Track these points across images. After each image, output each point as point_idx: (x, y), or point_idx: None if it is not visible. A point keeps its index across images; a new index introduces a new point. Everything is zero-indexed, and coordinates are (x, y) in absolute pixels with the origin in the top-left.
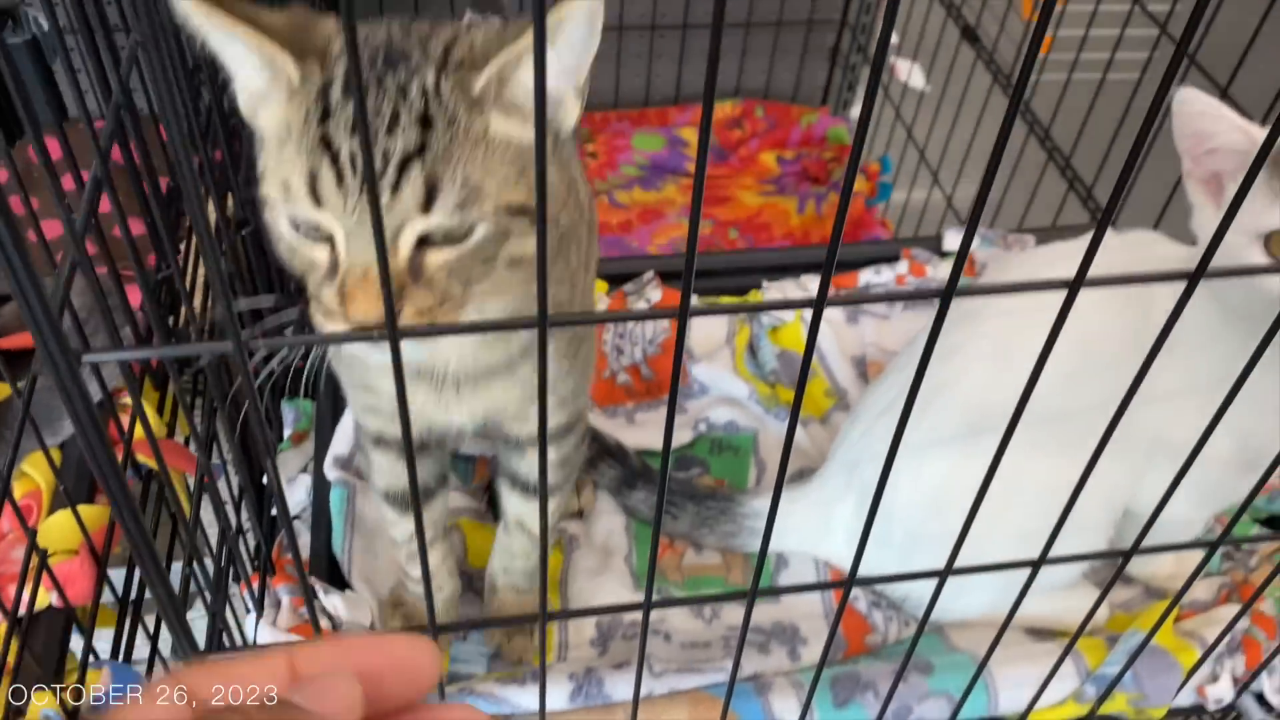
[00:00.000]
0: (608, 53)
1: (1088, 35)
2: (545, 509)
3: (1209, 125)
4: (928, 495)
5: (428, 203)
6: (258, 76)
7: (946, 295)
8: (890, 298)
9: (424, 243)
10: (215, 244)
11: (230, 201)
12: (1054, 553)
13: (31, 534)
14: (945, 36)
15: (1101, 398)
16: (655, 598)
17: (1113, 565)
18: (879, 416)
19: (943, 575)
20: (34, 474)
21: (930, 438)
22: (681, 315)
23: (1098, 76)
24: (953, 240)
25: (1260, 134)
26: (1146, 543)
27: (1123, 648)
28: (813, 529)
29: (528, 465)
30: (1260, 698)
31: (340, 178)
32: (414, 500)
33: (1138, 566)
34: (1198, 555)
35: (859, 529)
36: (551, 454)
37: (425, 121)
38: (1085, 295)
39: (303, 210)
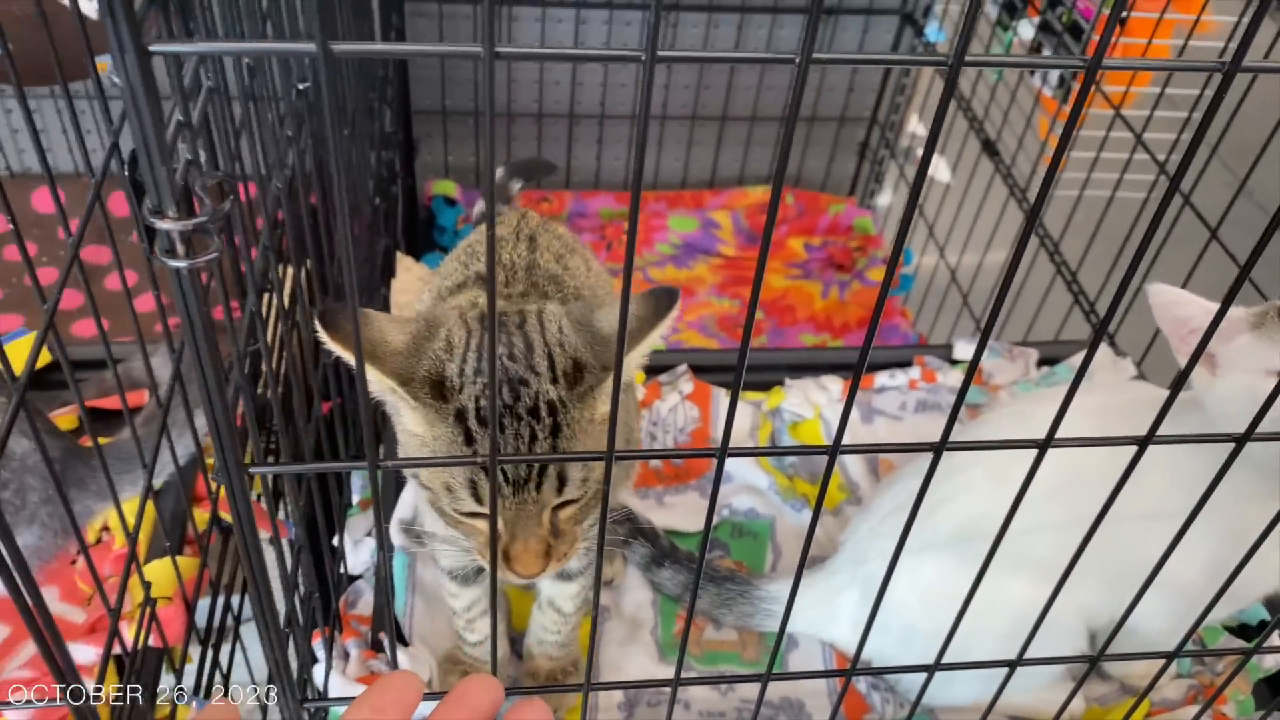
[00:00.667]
0: (650, 138)
1: (1098, 158)
2: (599, 599)
3: (1183, 312)
4: (923, 594)
5: (560, 488)
6: (378, 387)
7: (938, 450)
8: (893, 449)
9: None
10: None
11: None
12: (1031, 655)
13: (147, 586)
14: (969, 141)
15: (1086, 519)
16: (673, 670)
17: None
18: (885, 518)
19: (931, 669)
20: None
21: (929, 543)
22: (721, 455)
23: (1106, 194)
24: (962, 350)
25: (1232, 311)
26: (1119, 650)
27: None
28: (820, 615)
29: None
30: None
31: (499, 488)
32: (493, 636)
33: (1115, 667)
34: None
35: (862, 618)
36: (579, 544)
37: (555, 430)
38: (1074, 423)
39: (467, 506)
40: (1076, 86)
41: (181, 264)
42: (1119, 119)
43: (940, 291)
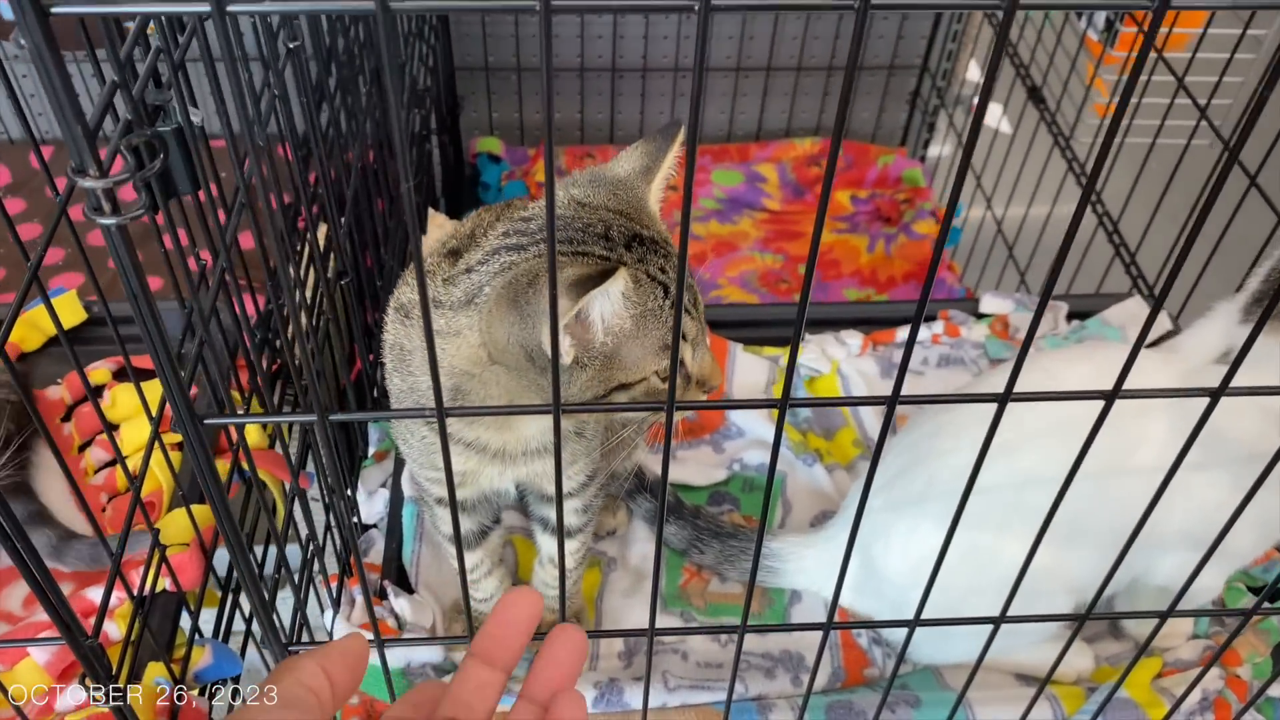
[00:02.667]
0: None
1: (1139, 103)
2: (564, 550)
3: None
4: (915, 562)
5: None
6: (626, 313)
7: (892, 402)
8: (845, 403)
9: None
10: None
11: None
12: (1024, 613)
13: (155, 531)
14: (1015, 89)
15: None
16: (677, 620)
17: (1105, 624)
18: (880, 490)
19: (911, 625)
20: (158, 473)
21: (922, 516)
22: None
23: (1147, 141)
24: (989, 304)
25: None
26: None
27: (1097, 698)
28: (823, 575)
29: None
30: None
31: (690, 320)
32: (458, 545)
33: (1131, 626)
34: (1187, 619)
35: (862, 579)
36: (576, 503)
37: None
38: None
39: (679, 353)
40: (1123, 29)
41: (110, 221)
42: (1161, 63)
43: (987, 243)
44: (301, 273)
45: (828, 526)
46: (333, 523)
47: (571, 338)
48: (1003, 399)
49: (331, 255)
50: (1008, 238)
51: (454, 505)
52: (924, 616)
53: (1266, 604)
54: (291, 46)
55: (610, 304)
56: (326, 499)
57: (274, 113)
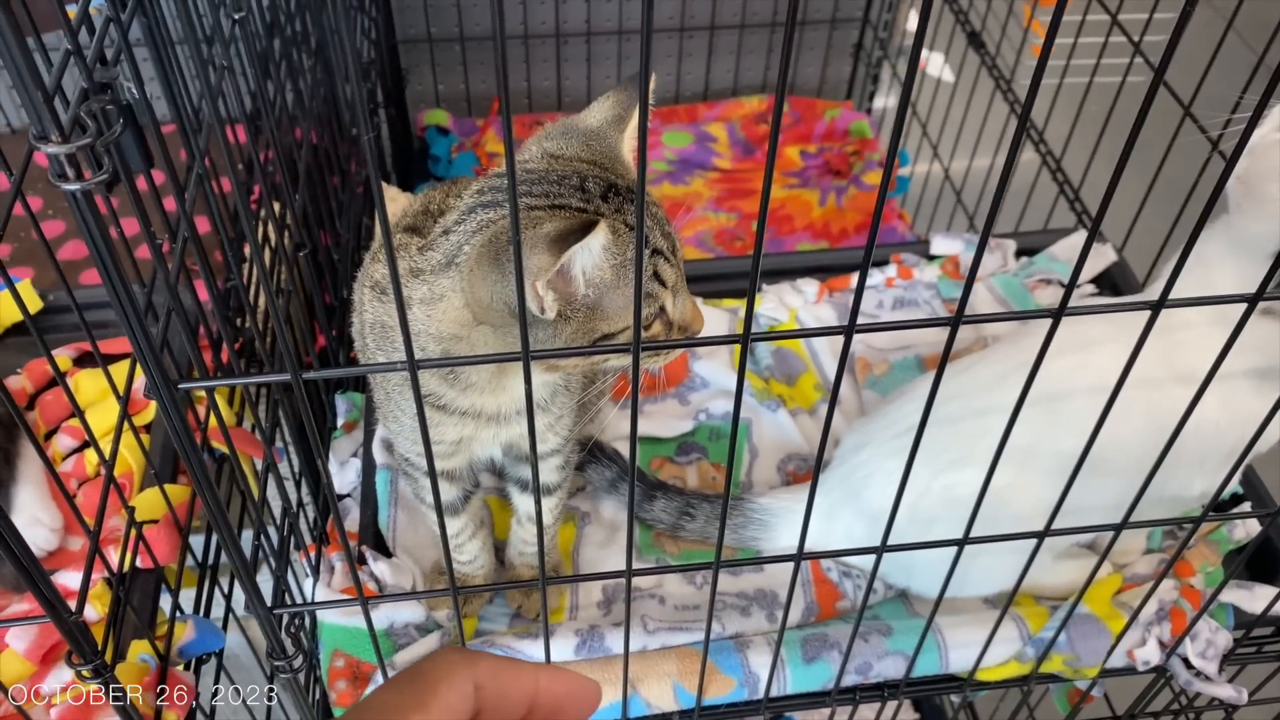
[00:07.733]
0: (639, 54)
1: (1076, 43)
2: (537, 481)
3: None
4: (913, 508)
5: None
6: (607, 264)
7: (955, 322)
8: (909, 325)
9: None
10: (278, 275)
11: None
12: (988, 535)
13: (130, 509)
14: (955, 36)
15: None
16: (649, 567)
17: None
18: (884, 444)
19: (879, 551)
20: (128, 456)
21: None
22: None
23: (1085, 80)
24: (939, 245)
25: None
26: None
27: (1060, 615)
28: (816, 531)
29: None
30: (1186, 661)
31: (669, 266)
32: (439, 512)
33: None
34: (1142, 537)
35: (859, 538)
36: (558, 460)
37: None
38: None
39: (659, 300)
40: None
41: (74, 186)
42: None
43: (935, 192)
44: (260, 240)
45: (820, 483)
46: (304, 498)
47: (554, 292)
48: (1057, 314)
49: (288, 227)
50: (955, 184)
51: (433, 474)
52: (908, 561)
53: (1213, 514)
54: (237, 18)
55: (591, 257)
56: (297, 469)
57: (222, 89)
